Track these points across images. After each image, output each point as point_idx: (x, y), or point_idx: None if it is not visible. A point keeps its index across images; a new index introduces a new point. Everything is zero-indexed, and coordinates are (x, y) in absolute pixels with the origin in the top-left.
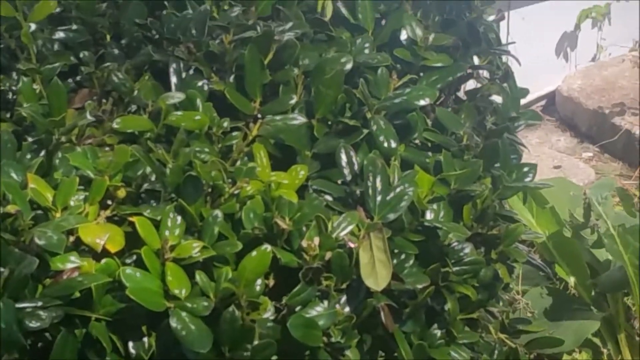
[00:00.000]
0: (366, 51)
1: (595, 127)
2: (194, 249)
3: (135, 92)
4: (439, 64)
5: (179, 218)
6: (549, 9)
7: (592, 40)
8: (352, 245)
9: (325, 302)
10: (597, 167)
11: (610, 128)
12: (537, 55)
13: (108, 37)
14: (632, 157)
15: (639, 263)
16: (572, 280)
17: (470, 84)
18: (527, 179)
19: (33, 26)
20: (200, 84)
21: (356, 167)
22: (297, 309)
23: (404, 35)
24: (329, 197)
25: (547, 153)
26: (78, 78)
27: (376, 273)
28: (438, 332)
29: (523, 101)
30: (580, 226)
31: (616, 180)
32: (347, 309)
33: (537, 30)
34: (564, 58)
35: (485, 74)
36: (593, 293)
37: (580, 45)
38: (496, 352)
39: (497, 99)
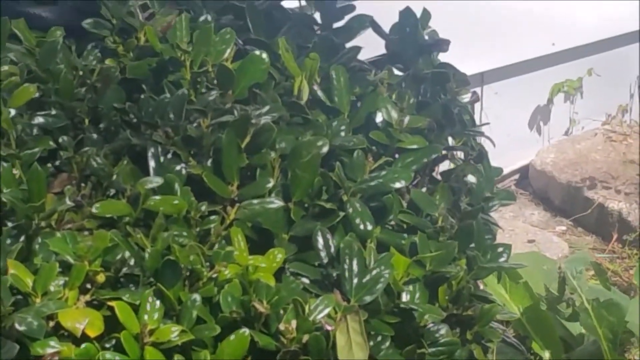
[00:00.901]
0: (342, 134)
1: (569, 201)
2: (173, 332)
3: (114, 177)
4: (414, 146)
5: (158, 302)
6: (522, 84)
7: (565, 114)
8: (329, 328)
9: None
10: (570, 240)
11: (583, 202)
12: (510, 129)
13: (86, 121)
14: (605, 231)
15: (613, 337)
16: (546, 354)
17: (445, 164)
18: (502, 259)
19: (13, 111)
20: (178, 167)
21: (333, 249)
22: None
23: (379, 118)
24: (305, 280)
25: (521, 227)
26: (57, 163)
27: (353, 355)
28: None
29: None
30: (555, 300)
31: (590, 254)
32: None
33: (510, 105)
34: (537, 132)
35: (459, 154)
36: None
37: (553, 119)
38: None
39: (471, 178)
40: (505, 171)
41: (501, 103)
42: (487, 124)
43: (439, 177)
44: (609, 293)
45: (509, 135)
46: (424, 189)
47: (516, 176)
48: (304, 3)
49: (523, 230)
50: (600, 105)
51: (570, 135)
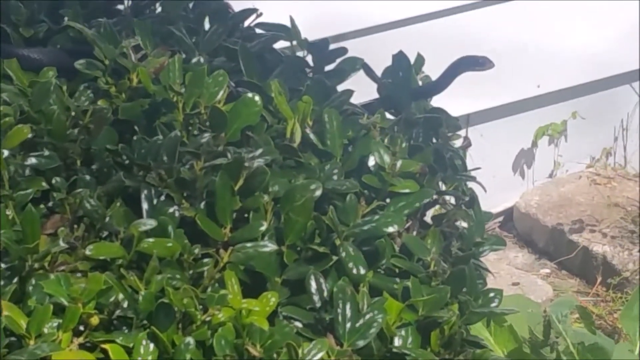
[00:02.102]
0: (335, 177)
1: (553, 244)
2: None
3: (107, 219)
4: (406, 190)
5: (152, 345)
6: (507, 126)
7: (549, 156)
8: None
9: None
10: (554, 283)
11: (567, 245)
12: (495, 171)
13: (79, 162)
14: (589, 274)
15: None
16: None
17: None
18: (493, 305)
19: (6, 152)
20: (171, 210)
21: (326, 293)
22: None
23: (371, 162)
24: (299, 324)
25: (506, 269)
26: (50, 204)
27: None
28: None
29: None
30: (540, 344)
31: (575, 297)
32: None
33: (496, 147)
34: (521, 174)
35: (451, 199)
36: None
37: (538, 162)
38: None
39: (462, 223)
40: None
41: (487, 145)
42: (478, 168)
43: (429, 221)
44: (594, 337)
45: (494, 177)
46: (414, 233)
47: (500, 218)
48: (296, 46)
49: (507, 273)
50: (585, 148)
51: (554, 178)
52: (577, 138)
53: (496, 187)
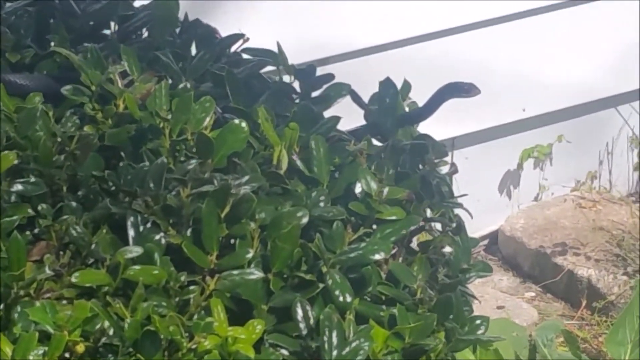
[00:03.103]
0: (321, 204)
1: (538, 267)
2: None
3: (93, 246)
4: (393, 217)
5: None
6: (492, 149)
7: (534, 180)
8: None
9: None
10: (539, 307)
11: (552, 268)
12: (479, 194)
13: (65, 188)
14: (574, 298)
15: None
16: None
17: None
18: (480, 332)
19: None
20: (157, 237)
21: (312, 321)
22: None
23: (358, 189)
24: (285, 352)
25: (491, 293)
26: (36, 230)
27: None
28: None
29: None
30: None
31: (559, 321)
32: None
33: (480, 170)
34: (506, 197)
35: (437, 225)
36: None
37: (523, 185)
38: None
39: (449, 250)
40: (475, 236)
41: (471, 168)
42: (465, 195)
43: (415, 248)
44: None
45: (479, 200)
46: (401, 260)
47: (485, 241)
48: (283, 72)
49: (492, 297)
50: (570, 171)
51: (539, 201)
52: (562, 161)
53: (481, 211)
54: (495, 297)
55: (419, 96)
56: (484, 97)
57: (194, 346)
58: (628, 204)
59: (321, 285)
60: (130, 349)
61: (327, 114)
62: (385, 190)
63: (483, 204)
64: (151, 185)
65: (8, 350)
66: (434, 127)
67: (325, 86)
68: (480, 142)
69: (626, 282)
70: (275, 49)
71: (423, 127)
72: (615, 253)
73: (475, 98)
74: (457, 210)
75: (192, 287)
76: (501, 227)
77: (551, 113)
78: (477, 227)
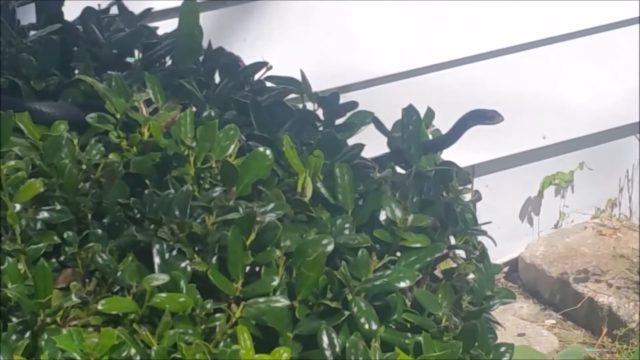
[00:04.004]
0: (346, 232)
1: (558, 295)
2: None
3: (119, 273)
4: (418, 245)
5: None
6: (512, 177)
7: (555, 207)
8: None
9: None
10: (560, 334)
11: (573, 295)
12: (500, 221)
13: (89, 216)
14: (594, 325)
15: None
16: None
17: None
18: (505, 359)
19: (18, 206)
20: (183, 264)
21: (338, 349)
22: None
23: (383, 216)
24: None
25: (511, 320)
26: (62, 258)
27: None
28: None
29: None
30: None
31: (582, 349)
32: None
33: (500, 198)
34: (527, 224)
35: (461, 253)
36: None
37: (543, 213)
38: None
39: (472, 277)
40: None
41: (492, 195)
42: (489, 222)
43: (440, 275)
44: None
45: (499, 227)
46: (425, 287)
47: (506, 269)
48: (306, 99)
49: (513, 324)
50: (590, 198)
51: (559, 229)
52: (582, 188)
53: (502, 238)
54: (516, 324)
55: (441, 123)
56: (504, 124)
57: None
58: None
59: (347, 313)
60: None
61: (350, 141)
62: (410, 217)
63: (503, 231)
64: (176, 212)
65: None
66: (453, 154)
67: (348, 114)
68: (500, 170)
69: None
70: (299, 77)
71: (444, 154)
72: (636, 280)
73: (495, 125)
74: (479, 238)
75: (217, 315)
76: (521, 254)
77: (571, 140)
78: (497, 255)
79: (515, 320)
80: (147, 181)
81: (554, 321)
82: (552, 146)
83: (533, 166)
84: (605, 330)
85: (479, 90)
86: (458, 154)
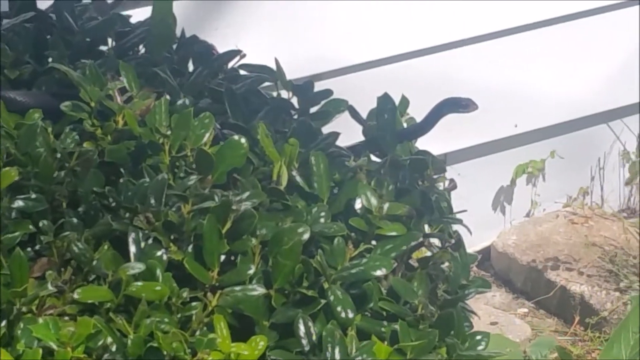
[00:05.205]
0: (322, 220)
1: (531, 283)
2: None
3: (95, 262)
4: (394, 233)
5: None
6: (484, 165)
7: (527, 196)
8: None
9: None
10: (532, 323)
11: (545, 284)
12: (472, 210)
13: (65, 205)
14: (567, 314)
15: None
16: None
17: None
18: (480, 347)
19: None
20: (159, 253)
21: (314, 337)
22: None
23: (358, 205)
24: None
25: (483, 309)
26: (37, 247)
27: None
28: None
29: None
30: None
31: (554, 337)
32: None
33: (473, 186)
34: (499, 213)
35: (436, 241)
36: None
37: (515, 201)
38: None
39: (448, 265)
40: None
41: (464, 184)
42: (465, 210)
43: (414, 264)
44: None
45: (472, 216)
46: (400, 276)
47: (478, 257)
48: (281, 87)
49: (485, 313)
50: (562, 187)
51: (531, 217)
52: (554, 177)
53: (474, 227)
54: (489, 313)
55: (413, 112)
56: (476, 113)
57: None
58: (620, 220)
59: (323, 301)
60: None
61: (325, 129)
62: (386, 206)
63: (476, 219)
64: (152, 201)
65: None
66: (427, 143)
67: (323, 102)
68: (472, 158)
69: (619, 298)
70: (272, 65)
71: (417, 143)
72: (608, 269)
73: (468, 114)
74: (454, 226)
75: (194, 304)
76: (494, 243)
77: (543, 129)
78: (470, 243)
79: (487, 309)
80: (122, 170)
81: (526, 310)
82: (523, 134)
83: (505, 155)
84: (577, 319)
85: (451, 79)
86: (431, 143)
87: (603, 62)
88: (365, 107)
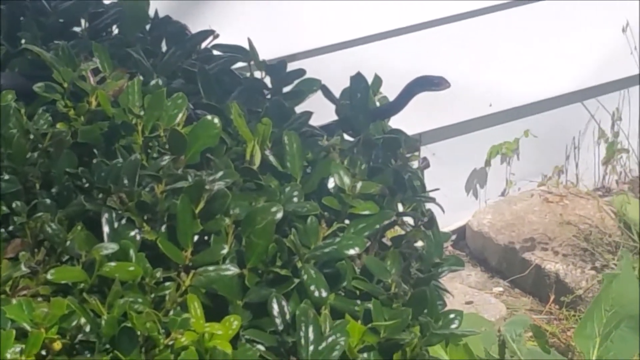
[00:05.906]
0: (295, 199)
1: (506, 262)
2: None
3: (68, 243)
4: (367, 212)
5: None
6: (459, 145)
7: (502, 175)
8: None
9: None
10: (507, 302)
11: (520, 263)
12: (447, 190)
13: (38, 185)
14: (542, 292)
15: None
16: None
17: None
18: (454, 326)
19: None
20: (132, 233)
21: (288, 316)
22: None
23: (331, 184)
24: (261, 347)
25: (459, 288)
26: (10, 228)
27: None
28: None
29: None
30: None
31: (528, 316)
32: None
33: (448, 165)
34: (474, 193)
35: (409, 220)
36: None
37: (490, 181)
38: None
39: (421, 244)
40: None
41: (439, 164)
42: (437, 189)
43: (387, 243)
44: (547, 355)
45: (446, 196)
46: (373, 255)
47: (453, 237)
48: (254, 67)
49: (461, 292)
50: (537, 166)
51: (506, 196)
52: (529, 156)
53: (449, 206)
54: (464, 292)
55: (386, 92)
56: (450, 92)
57: (170, 342)
58: (595, 199)
59: (296, 281)
60: (107, 346)
61: (298, 109)
62: (359, 185)
63: (450, 199)
64: (125, 181)
65: None
66: (400, 122)
67: (296, 82)
68: (447, 138)
69: (594, 276)
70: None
71: (391, 122)
72: (583, 247)
73: (442, 93)
74: (428, 205)
75: (167, 284)
76: (468, 222)
77: (518, 108)
78: (445, 222)
79: (463, 288)
80: (95, 150)
81: (501, 289)
82: (498, 114)
83: (480, 134)
84: (552, 297)
85: (425, 58)
86: (405, 122)
87: (577, 41)
88: (338, 87)
